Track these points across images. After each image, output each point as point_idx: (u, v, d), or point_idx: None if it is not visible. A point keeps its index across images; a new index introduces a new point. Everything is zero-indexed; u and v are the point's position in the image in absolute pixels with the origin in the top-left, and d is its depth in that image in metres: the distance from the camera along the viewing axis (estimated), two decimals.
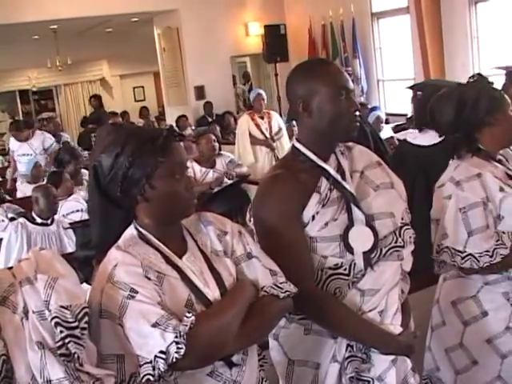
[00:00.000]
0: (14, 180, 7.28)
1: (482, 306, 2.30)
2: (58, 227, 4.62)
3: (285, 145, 6.77)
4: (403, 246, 1.89)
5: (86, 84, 15.33)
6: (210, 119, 10.38)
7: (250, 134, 6.82)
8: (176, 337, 1.42)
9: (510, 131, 2.31)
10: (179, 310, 1.50)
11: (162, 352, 1.42)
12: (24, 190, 6.40)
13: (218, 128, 9.26)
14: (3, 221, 5.00)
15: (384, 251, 1.85)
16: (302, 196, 1.81)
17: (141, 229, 1.61)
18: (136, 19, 11.54)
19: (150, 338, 1.43)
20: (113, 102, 15.40)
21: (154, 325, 1.43)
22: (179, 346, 1.42)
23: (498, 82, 3.03)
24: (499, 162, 2.34)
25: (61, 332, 1.34)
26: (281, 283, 1.66)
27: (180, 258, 1.60)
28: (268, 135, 6.84)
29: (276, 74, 10.36)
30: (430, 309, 2.50)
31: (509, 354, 2.29)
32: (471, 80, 2.35)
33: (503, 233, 2.22)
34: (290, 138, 6.68)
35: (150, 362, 1.43)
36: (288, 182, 1.83)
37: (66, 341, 1.34)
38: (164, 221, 1.62)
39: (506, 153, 2.43)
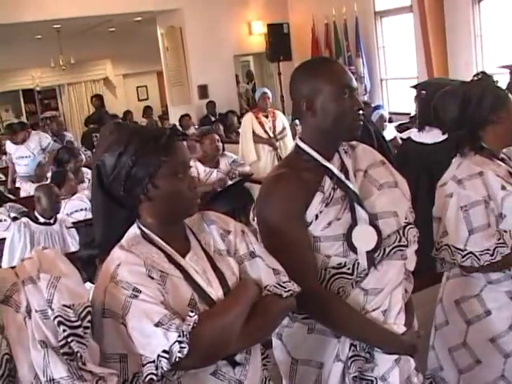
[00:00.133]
0: (14, 181, 7.29)
1: (486, 305, 2.30)
2: (61, 226, 4.62)
3: (288, 144, 6.77)
4: (407, 246, 1.88)
5: (89, 83, 15.34)
6: (213, 118, 10.38)
7: (253, 133, 6.83)
8: (179, 336, 1.42)
9: None
10: (182, 310, 1.50)
11: (164, 351, 1.42)
12: (28, 189, 6.41)
13: (221, 127, 9.26)
14: (5, 220, 5.01)
15: (387, 250, 1.85)
16: (305, 195, 1.81)
17: (144, 228, 1.61)
18: (139, 18, 11.56)
19: (153, 337, 1.43)
20: (116, 101, 15.43)
21: (157, 324, 1.43)
22: (182, 345, 1.42)
23: (502, 80, 3.02)
24: (502, 160, 2.34)
25: (64, 331, 1.34)
26: (284, 282, 1.66)
27: (183, 257, 1.60)
28: (271, 134, 6.84)
29: (279, 73, 10.35)
30: (434, 308, 2.50)
31: None
32: (475, 78, 2.35)
33: (505, 231, 2.21)
34: (293, 136, 6.68)
35: (153, 361, 1.43)
36: (291, 181, 1.82)
37: (69, 340, 1.34)
38: (167, 220, 1.62)
39: (509, 151, 2.42)
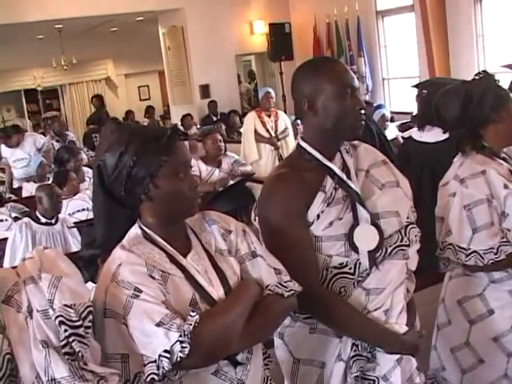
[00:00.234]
0: (11, 184, 7.28)
1: (489, 304, 2.30)
2: (63, 226, 4.62)
3: (290, 144, 6.78)
4: (408, 245, 1.88)
5: (91, 83, 15.35)
6: (214, 118, 10.39)
7: (255, 131, 6.84)
8: (180, 336, 1.42)
9: None
10: (183, 309, 1.50)
11: (166, 351, 1.42)
12: (30, 189, 6.41)
13: (223, 127, 9.27)
14: (6, 220, 5.02)
15: (389, 250, 1.85)
16: (306, 195, 1.81)
17: (145, 228, 1.61)
18: (141, 18, 11.57)
19: (154, 337, 1.43)
20: (118, 101, 15.44)
21: (158, 324, 1.43)
22: (183, 345, 1.42)
23: (504, 79, 3.02)
24: (503, 159, 2.34)
25: (65, 331, 1.34)
26: (285, 282, 1.66)
27: (184, 257, 1.60)
28: (273, 133, 6.85)
29: (281, 73, 10.35)
30: (436, 307, 2.49)
31: None
32: (477, 77, 2.35)
33: (508, 230, 2.21)
34: (295, 136, 6.68)
35: (155, 361, 1.43)
36: (293, 181, 1.82)
37: (70, 339, 1.34)
38: (168, 220, 1.62)
39: (509, 151, 2.42)
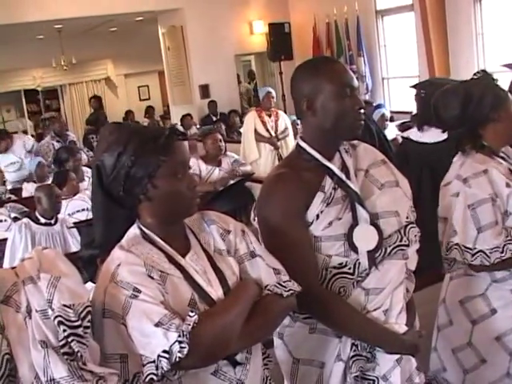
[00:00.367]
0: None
1: (491, 303, 2.29)
2: (62, 227, 4.62)
3: (289, 144, 6.79)
4: (408, 245, 1.88)
5: (90, 83, 15.35)
6: (214, 118, 10.39)
7: (255, 131, 6.84)
8: (179, 336, 1.42)
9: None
10: (182, 310, 1.50)
11: (165, 351, 1.42)
12: (30, 189, 6.41)
13: (223, 127, 9.27)
14: (6, 220, 5.01)
15: (389, 250, 1.84)
16: (305, 195, 1.81)
17: (144, 228, 1.61)
18: (140, 18, 11.57)
19: (153, 337, 1.43)
20: (117, 101, 15.44)
21: (157, 324, 1.43)
22: (182, 345, 1.41)
23: (503, 78, 3.02)
24: (502, 158, 2.34)
25: (64, 331, 1.34)
26: (284, 282, 1.66)
27: (183, 257, 1.60)
28: (273, 133, 6.86)
29: (280, 73, 10.34)
30: (435, 307, 2.48)
31: None
32: (475, 77, 2.35)
33: None
34: (295, 136, 6.68)
35: (153, 361, 1.43)
36: (292, 181, 1.82)
37: (69, 340, 1.34)
38: (166, 220, 1.62)
39: (507, 150, 2.42)
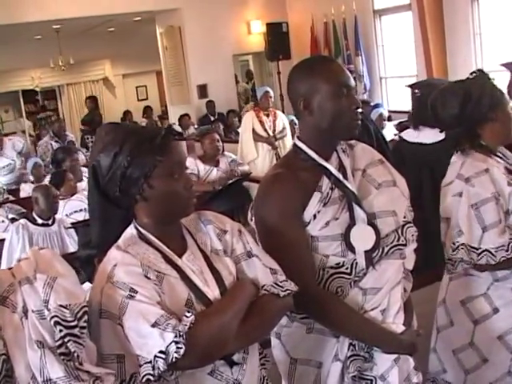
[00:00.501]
0: None
1: (493, 302, 2.29)
2: (60, 227, 4.61)
3: (287, 144, 6.78)
4: (405, 245, 1.88)
5: (88, 84, 15.34)
6: (212, 118, 10.38)
7: (253, 130, 6.85)
8: (175, 336, 1.42)
9: (508, 128, 2.32)
10: (179, 310, 1.50)
11: (161, 352, 1.42)
12: (28, 189, 6.40)
13: (221, 126, 9.27)
14: (3, 221, 5.00)
15: (386, 250, 1.84)
16: (302, 195, 1.81)
17: (140, 228, 1.61)
18: (138, 18, 11.56)
19: (150, 337, 1.43)
20: (115, 101, 15.44)
21: (154, 325, 1.43)
22: (179, 345, 1.41)
23: (501, 78, 3.02)
24: (499, 157, 2.34)
25: (60, 331, 1.34)
26: (281, 282, 1.66)
27: (180, 257, 1.60)
28: (271, 133, 6.86)
29: (278, 72, 10.34)
30: (433, 306, 2.48)
31: None
32: (471, 76, 2.35)
33: None
34: (293, 135, 6.68)
35: (150, 361, 1.43)
36: (289, 181, 1.82)
37: (66, 340, 1.34)
38: (163, 220, 1.62)
39: (502, 149, 2.42)
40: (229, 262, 1.66)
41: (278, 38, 10.26)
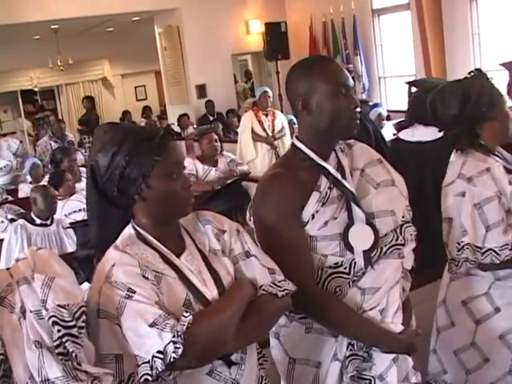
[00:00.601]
0: None
1: (494, 302, 2.29)
2: (58, 227, 4.61)
3: (286, 144, 6.79)
4: (404, 244, 1.88)
5: (87, 84, 15.33)
6: (211, 118, 10.38)
7: (252, 130, 6.85)
8: (173, 336, 1.42)
9: (506, 127, 2.32)
10: (177, 310, 1.50)
11: (159, 352, 1.42)
12: (26, 190, 6.40)
13: (220, 126, 9.27)
14: (3, 222, 5.00)
15: (384, 249, 1.84)
16: (301, 195, 1.80)
17: (138, 228, 1.61)
18: (137, 18, 11.55)
19: (148, 337, 1.43)
20: (114, 101, 15.43)
21: (152, 325, 1.43)
22: (177, 345, 1.41)
23: (500, 78, 3.02)
24: (497, 157, 2.34)
25: (58, 331, 1.34)
26: (279, 281, 1.66)
27: (178, 257, 1.60)
28: (270, 133, 6.86)
29: (277, 72, 10.34)
30: (432, 306, 2.47)
31: None
32: (469, 76, 2.35)
33: None
34: (292, 135, 6.69)
35: (148, 361, 1.43)
36: (287, 181, 1.82)
37: (64, 340, 1.34)
38: (161, 220, 1.62)
39: (498, 149, 2.42)
40: (227, 261, 1.66)
41: (276, 37, 10.26)
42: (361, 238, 1.81)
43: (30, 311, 1.35)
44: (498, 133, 2.31)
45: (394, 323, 1.87)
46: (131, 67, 14.95)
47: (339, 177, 1.84)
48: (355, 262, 1.82)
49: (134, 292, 1.46)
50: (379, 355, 1.86)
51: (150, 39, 11.88)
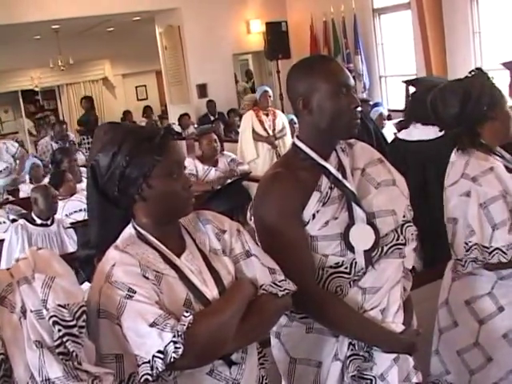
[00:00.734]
0: None
1: (498, 301, 2.28)
2: (59, 227, 4.61)
3: (287, 143, 6.78)
4: (405, 244, 1.87)
5: (88, 84, 15.33)
6: (212, 117, 10.38)
7: (252, 130, 6.85)
8: (174, 336, 1.42)
9: (507, 126, 2.32)
10: (178, 310, 1.50)
11: (159, 352, 1.42)
12: (27, 190, 6.40)
13: (221, 126, 9.27)
14: (4, 222, 5.00)
15: (385, 249, 1.84)
16: (301, 194, 1.80)
17: (139, 228, 1.61)
18: (137, 18, 11.55)
19: (148, 337, 1.43)
20: (115, 101, 15.43)
21: (152, 324, 1.43)
22: (177, 345, 1.41)
23: (501, 77, 3.02)
24: (498, 156, 2.33)
25: (59, 331, 1.34)
26: (280, 281, 1.65)
27: (178, 257, 1.60)
28: (271, 132, 6.86)
29: (278, 72, 10.35)
30: (433, 305, 2.47)
31: None
32: (470, 75, 2.35)
33: None
34: (293, 135, 6.68)
35: (148, 361, 1.43)
36: (288, 181, 1.82)
37: (64, 339, 1.34)
38: (161, 220, 1.62)
39: (497, 148, 2.42)
40: (227, 261, 1.66)
41: (277, 37, 10.27)
42: (361, 237, 1.81)
43: (31, 311, 1.35)
44: (498, 132, 2.31)
45: (395, 323, 1.87)
46: (132, 67, 14.95)
47: (340, 176, 1.84)
48: (356, 262, 1.81)
49: (135, 292, 1.46)
50: (380, 355, 1.86)
51: (151, 39, 11.88)
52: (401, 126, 6.39)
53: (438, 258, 2.51)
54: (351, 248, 1.81)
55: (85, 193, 4.73)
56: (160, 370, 1.42)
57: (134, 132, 1.61)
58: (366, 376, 1.85)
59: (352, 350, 1.84)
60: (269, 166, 6.27)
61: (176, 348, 1.41)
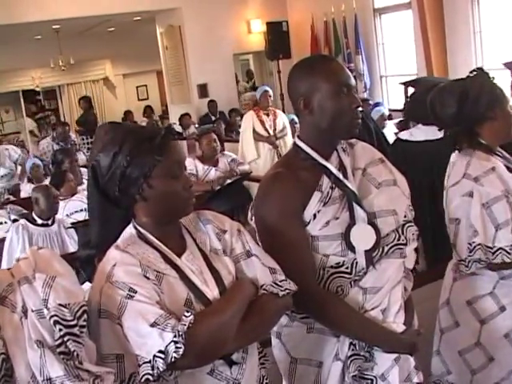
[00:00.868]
0: None
1: (500, 301, 2.28)
2: (60, 227, 4.61)
3: (288, 143, 6.79)
4: (406, 244, 1.87)
5: (89, 83, 15.34)
6: (213, 117, 10.39)
7: (253, 130, 6.86)
8: (175, 336, 1.42)
9: (508, 126, 2.31)
10: (178, 310, 1.50)
11: (160, 352, 1.42)
12: (28, 190, 6.40)
13: (222, 125, 9.27)
14: (6, 222, 5.00)
15: (386, 249, 1.84)
16: (302, 194, 1.80)
17: (139, 228, 1.61)
18: (138, 18, 11.56)
19: (149, 337, 1.43)
20: (116, 101, 15.44)
21: (153, 324, 1.43)
22: (178, 345, 1.41)
23: (502, 77, 3.02)
24: (498, 156, 2.33)
25: (60, 330, 1.34)
26: (280, 281, 1.65)
27: (179, 256, 1.60)
28: (271, 132, 6.87)
29: (279, 71, 10.35)
30: (434, 305, 2.47)
31: None
32: (471, 75, 2.34)
33: None
34: (293, 135, 6.69)
35: (149, 361, 1.43)
36: (288, 181, 1.81)
37: (65, 339, 1.34)
38: (162, 220, 1.62)
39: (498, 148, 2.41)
40: (228, 261, 1.66)
41: (278, 36, 10.27)
42: (362, 237, 1.81)
43: (32, 311, 1.35)
44: (498, 132, 2.30)
45: (396, 323, 1.87)
46: (133, 67, 14.96)
47: (341, 176, 1.84)
48: (357, 262, 1.81)
49: (135, 292, 1.46)
50: (381, 355, 1.86)
51: (152, 39, 11.89)
52: (401, 127, 6.39)
53: (435, 258, 2.51)
54: (352, 248, 1.80)
55: (85, 193, 4.72)
56: (161, 369, 1.42)
57: (135, 132, 1.61)
58: (366, 376, 1.85)
59: (353, 350, 1.83)
60: (270, 166, 6.28)
61: (177, 348, 1.41)
